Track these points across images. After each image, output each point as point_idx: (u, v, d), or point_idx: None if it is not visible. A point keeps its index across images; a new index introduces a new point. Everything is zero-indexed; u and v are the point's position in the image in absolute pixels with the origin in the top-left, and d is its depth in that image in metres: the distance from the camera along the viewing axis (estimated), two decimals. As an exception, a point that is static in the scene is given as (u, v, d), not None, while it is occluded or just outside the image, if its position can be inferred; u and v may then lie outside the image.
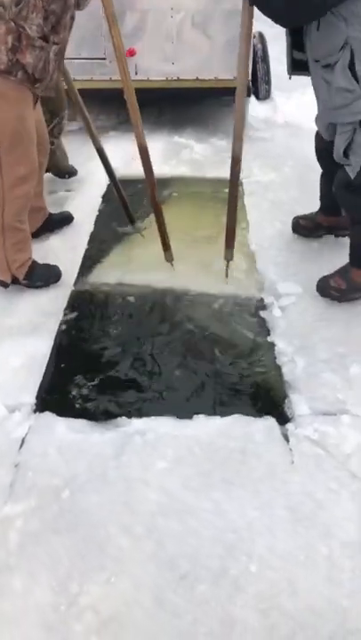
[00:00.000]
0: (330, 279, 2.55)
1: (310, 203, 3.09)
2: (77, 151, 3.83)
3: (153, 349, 2.38)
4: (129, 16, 3.92)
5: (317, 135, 2.65)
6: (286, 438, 1.94)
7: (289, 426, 1.99)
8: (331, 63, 2.19)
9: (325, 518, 1.69)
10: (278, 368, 2.25)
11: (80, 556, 1.61)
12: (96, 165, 3.35)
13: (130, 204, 3.17)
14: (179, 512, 1.71)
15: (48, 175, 3.46)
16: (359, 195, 2.35)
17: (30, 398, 2.12)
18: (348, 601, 1.48)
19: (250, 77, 4.15)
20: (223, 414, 2.04)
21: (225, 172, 3.72)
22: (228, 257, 2.74)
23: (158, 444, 1.92)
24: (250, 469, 1.84)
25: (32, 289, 2.66)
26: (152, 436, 1.95)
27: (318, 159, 2.74)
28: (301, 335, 2.39)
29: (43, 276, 2.69)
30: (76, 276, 2.83)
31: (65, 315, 2.57)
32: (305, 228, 3.01)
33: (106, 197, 3.57)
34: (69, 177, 3.62)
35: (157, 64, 4.09)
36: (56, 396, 2.16)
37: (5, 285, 2.63)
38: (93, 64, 4.08)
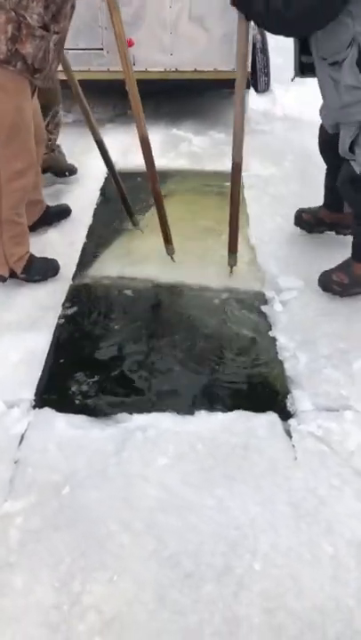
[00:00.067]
0: (332, 274, 2.53)
1: (311, 196, 3.06)
2: (74, 144, 3.79)
3: (154, 344, 2.36)
4: (127, 6, 3.86)
5: (321, 128, 2.61)
6: (289, 434, 1.92)
7: (292, 422, 1.97)
8: (338, 61, 2.15)
9: (328, 515, 1.68)
10: (280, 363, 2.23)
11: (81, 554, 1.59)
12: (93, 158, 3.32)
13: (128, 198, 3.13)
14: (180, 508, 1.70)
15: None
16: None
17: (29, 394, 2.09)
18: (354, 601, 1.47)
19: (249, 69, 4.11)
20: (225, 410, 2.03)
21: (224, 165, 3.74)
22: (232, 262, 2.72)
23: (159, 440, 1.90)
24: (252, 465, 1.83)
25: (30, 283, 2.63)
26: (153, 432, 1.93)
27: (321, 152, 2.70)
28: (303, 330, 2.37)
29: (41, 270, 2.66)
30: (74, 269, 2.80)
31: (64, 309, 2.54)
32: (307, 222, 2.97)
33: (104, 190, 3.54)
34: (70, 175, 3.58)
35: (155, 55, 4.04)
36: (55, 391, 2.13)
37: (3, 280, 2.60)
38: (91, 54, 4.04)
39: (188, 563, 1.56)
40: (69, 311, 2.54)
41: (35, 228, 2.94)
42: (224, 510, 1.69)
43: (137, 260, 2.87)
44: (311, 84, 2.47)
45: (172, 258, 2.82)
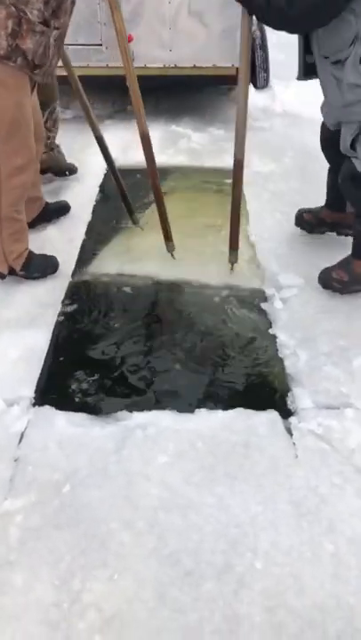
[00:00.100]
0: (332, 271, 2.52)
1: (311, 193, 3.06)
2: (72, 140, 3.78)
3: (154, 342, 2.35)
4: (126, 1, 3.84)
5: (323, 125, 2.58)
6: (290, 432, 1.92)
7: (292, 419, 1.97)
8: (341, 59, 2.13)
9: (329, 513, 1.67)
10: (281, 361, 2.23)
11: (82, 552, 1.59)
12: (92, 154, 3.31)
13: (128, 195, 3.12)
14: (180, 507, 1.69)
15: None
16: None
17: (29, 392, 2.08)
18: (355, 599, 1.47)
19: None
20: (225, 408, 2.02)
21: (223, 162, 3.73)
22: (233, 259, 2.71)
23: (159, 439, 1.90)
24: (253, 463, 1.82)
25: (29, 280, 2.62)
26: (153, 430, 1.92)
27: (323, 150, 2.67)
28: (303, 328, 2.36)
29: (40, 267, 2.65)
30: (73, 266, 2.79)
31: (63, 306, 2.53)
32: (308, 222, 2.94)
33: (103, 187, 3.52)
34: (70, 175, 3.56)
35: (155, 51, 4.02)
36: (55, 389, 2.13)
37: (2, 277, 2.59)
38: (89, 50, 4.02)
39: (188, 561, 1.56)
40: (69, 308, 2.53)
41: (34, 224, 2.93)
42: (224, 508, 1.69)
43: (137, 258, 2.86)
44: (311, 81, 2.46)
45: (172, 255, 2.81)
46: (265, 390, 2.13)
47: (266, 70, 4.86)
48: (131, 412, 2.01)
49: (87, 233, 3.07)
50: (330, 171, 2.74)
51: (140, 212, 3.18)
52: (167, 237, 2.78)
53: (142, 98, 2.38)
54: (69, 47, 3.31)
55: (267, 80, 4.90)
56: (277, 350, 2.28)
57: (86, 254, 2.90)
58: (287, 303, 2.51)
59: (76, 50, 3.88)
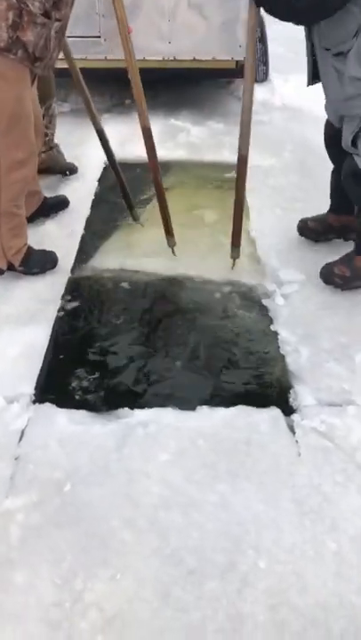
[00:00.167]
0: (334, 266, 2.51)
1: (311, 188, 3.05)
2: (70, 134, 3.74)
3: (154, 338, 2.34)
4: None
5: (327, 122, 2.54)
6: (292, 430, 1.91)
7: (295, 417, 1.96)
8: (343, 51, 2.10)
9: (332, 512, 1.67)
10: (282, 358, 2.22)
11: (83, 551, 1.58)
12: (90, 148, 3.28)
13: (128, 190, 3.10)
14: (182, 505, 1.68)
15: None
16: None
17: (29, 389, 2.07)
18: (358, 597, 1.46)
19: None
20: (227, 405, 2.00)
21: (222, 156, 3.70)
22: (235, 255, 2.69)
23: (160, 436, 1.88)
24: (255, 461, 1.81)
25: (28, 276, 2.60)
26: (154, 428, 1.91)
27: (327, 147, 2.63)
28: (305, 324, 2.35)
29: (39, 263, 2.62)
30: (73, 262, 2.76)
31: (63, 302, 2.52)
32: (314, 230, 2.82)
33: (102, 181, 3.49)
34: (70, 174, 3.51)
35: (154, 43, 3.97)
36: (56, 386, 2.11)
37: (1, 272, 2.57)
38: (87, 42, 3.96)
39: (190, 559, 1.55)
40: (69, 304, 2.51)
41: (32, 219, 2.91)
42: (226, 506, 1.68)
43: (137, 253, 2.84)
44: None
45: (172, 250, 2.79)
46: (267, 387, 2.12)
47: (265, 63, 4.83)
48: (132, 409, 1.99)
49: (86, 228, 3.04)
50: (334, 172, 2.67)
51: (140, 207, 3.16)
52: (168, 232, 2.75)
53: (141, 91, 2.36)
54: (67, 39, 3.28)
55: (266, 73, 4.88)
56: (279, 347, 2.27)
57: (86, 249, 2.87)
58: (288, 299, 2.50)
59: (74, 42, 3.79)
